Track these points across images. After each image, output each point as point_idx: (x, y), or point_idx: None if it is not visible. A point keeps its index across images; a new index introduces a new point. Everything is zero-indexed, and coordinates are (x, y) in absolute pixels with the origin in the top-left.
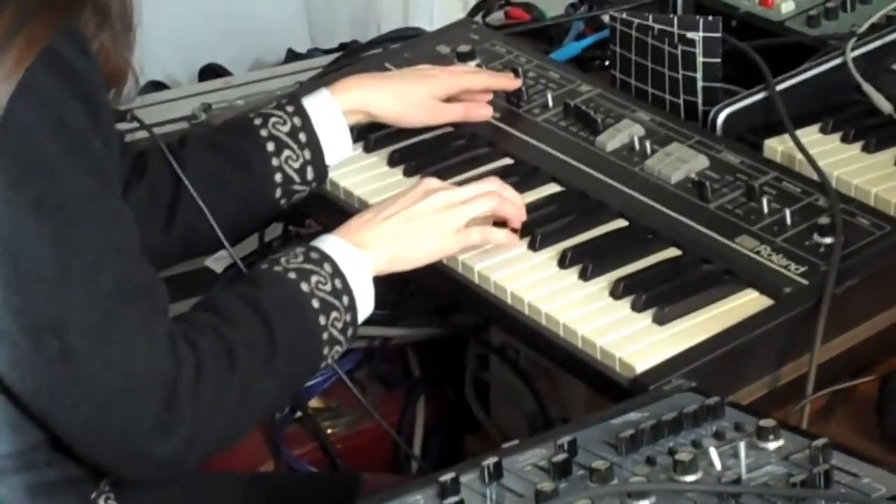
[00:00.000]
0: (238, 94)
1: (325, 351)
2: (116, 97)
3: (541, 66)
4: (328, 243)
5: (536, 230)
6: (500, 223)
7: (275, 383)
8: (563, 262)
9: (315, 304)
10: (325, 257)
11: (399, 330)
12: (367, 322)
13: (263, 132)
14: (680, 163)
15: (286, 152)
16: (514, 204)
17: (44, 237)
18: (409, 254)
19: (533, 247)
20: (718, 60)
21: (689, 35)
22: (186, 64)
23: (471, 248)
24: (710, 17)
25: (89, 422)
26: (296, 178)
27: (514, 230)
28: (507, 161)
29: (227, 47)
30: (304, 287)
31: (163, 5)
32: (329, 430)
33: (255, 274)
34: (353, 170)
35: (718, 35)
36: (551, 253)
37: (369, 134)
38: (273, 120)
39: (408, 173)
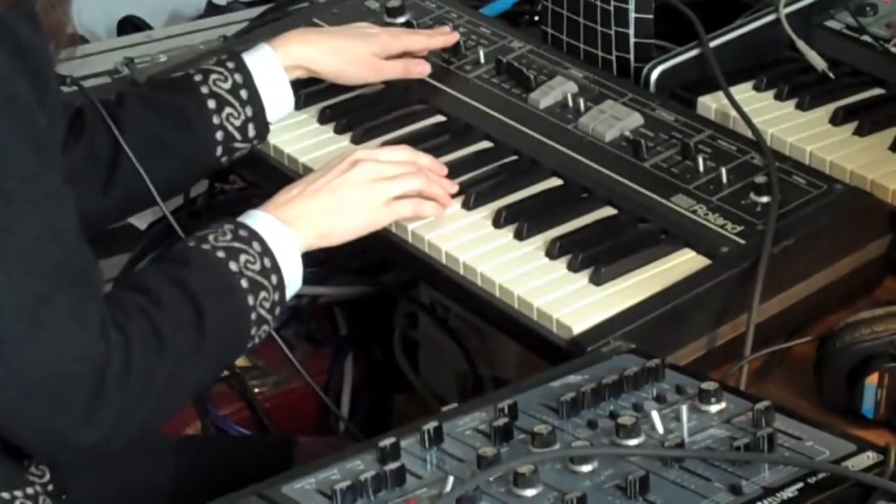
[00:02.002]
0: (160, 47)
1: (253, 331)
2: (57, 52)
3: (471, 22)
4: (257, 220)
5: (470, 189)
6: None
7: (203, 365)
8: (498, 221)
9: (244, 283)
10: (253, 235)
11: (327, 288)
12: None
13: (204, 89)
14: (614, 120)
15: (227, 109)
16: (440, 183)
17: None
18: (339, 228)
19: (467, 206)
20: (651, 17)
21: None
22: (104, 16)
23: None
24: None
25: (15, 405)
26: (237, 135)
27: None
28: (440, 118)
29: None
30: (233, 266)
31: None
32: (256, 390)
33: (183, 252)
34: (282, 127)
35: None
36: (485, 212)
37: (300, 90)
38: (214, 76)
39: (338, 130)
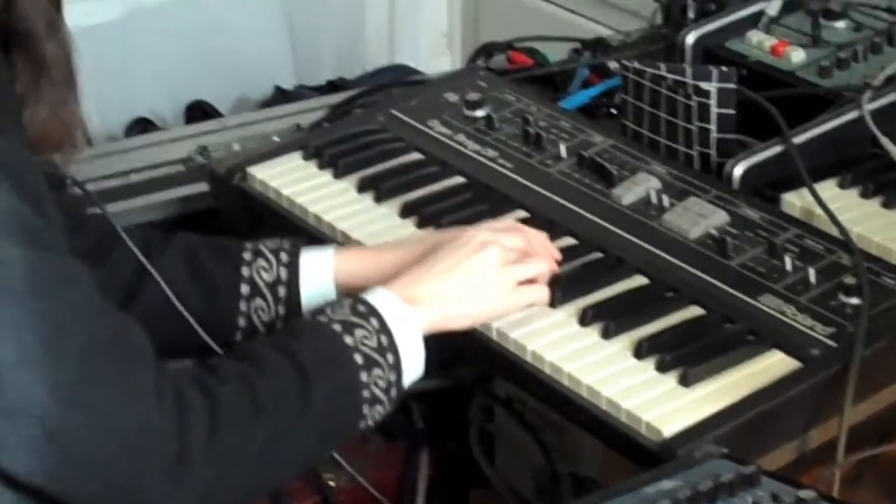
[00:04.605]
0: (233, 136)
1: (365, 409)
2: (69, 153)
3: (551, 116)
4: (377, 296)
5: (555, 286)
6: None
7: (306, 437)
8: (584, 319)
9: (357, 358)
10: (372, 311)
11: None
12: None
13: (245, 271)
14: (699, 218)
15: (258, 301)
16: (553, 269)
17: None
18: (467, 311)
19: (552, 303)
20: (733, 112)
21: (704, 86)
22: (172, 100)
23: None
24: (725, 68)
25: (92, 493)
26: (260, 328)
27: None
28: (522, 213)
29: (212, 83)
30: (348, 340)
31: (148, 42)
32: (331, 483)
33: (297, 324)
34: (366, 220)
35: (733, 86)
36: (570, 310)
37: (381, 183)
38: (260, 262)
39: (420, 224)
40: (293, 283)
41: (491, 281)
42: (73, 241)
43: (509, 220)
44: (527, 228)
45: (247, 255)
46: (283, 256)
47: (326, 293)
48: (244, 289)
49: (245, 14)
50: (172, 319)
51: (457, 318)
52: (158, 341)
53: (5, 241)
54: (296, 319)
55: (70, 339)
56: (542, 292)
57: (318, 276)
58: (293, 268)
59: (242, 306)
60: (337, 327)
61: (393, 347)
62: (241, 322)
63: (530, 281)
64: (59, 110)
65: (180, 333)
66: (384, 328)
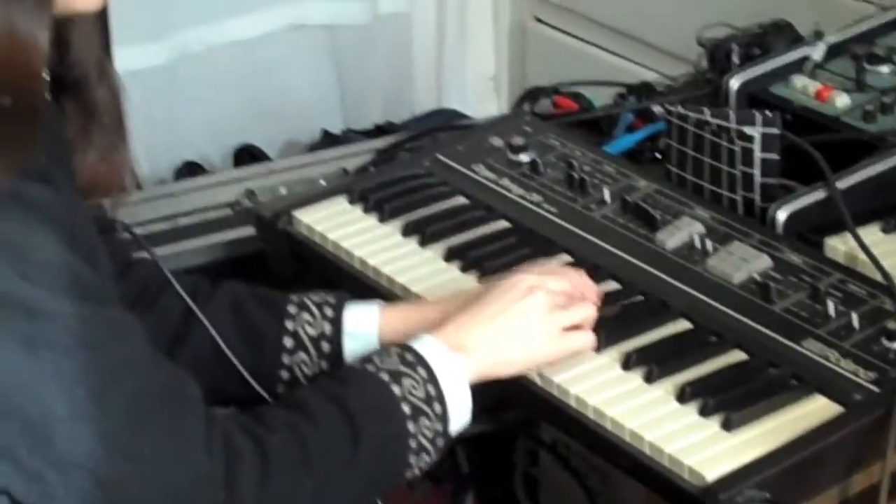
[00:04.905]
0: (280, 179)
1: (412, 459)
2: (119, 197)
3: (595, 160)
4: (425, 345)
5: (598, 331)
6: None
7: (355, 486)
8: (627, 364)
9: (405, 408)
10: (420, 360)
11: None
12: None
13: (289, 324)
14: (742, 262)
15: (301, 355)
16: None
17: (45, 375)
18: (516, 357)
19: (595, 348)
20: (777, 157)
21: (748, 130)
22: (221, 144)
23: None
24: (769, 113)
25: None
26: (303, 381)
27: None
28: (566, 258)
29: (261, 127)
30: (396, 390)
31: (196, 86)
32: None
33: (345, 372)
34: (411, 264)
35: (777, 131)
36: (614, 354)
37: (426, 227)
38: (305, 316)
39: (465, 269)
40: (337, 338)
41: (538, 328)
42: (121, 286)
43: (553, 263)
44: (570, 270)
45: (292, 308)
46: (328, 311)
47: (370, 349)
48: (288, 342)
49: (293, 58)
50: (218, 366)
51: (503, 365)
52: (202, 388)
53: (56, 295)
54: (344, 367)
55: (119, 390)
56: (588, 338)
57: (363, 332)
58: (337, 322)
59: (286, 359)
60: (385, 376)
61: (440, 397)
62: (284, 374)
63: (576, 326)
64: (109, 155)
65: (224, 381)
66: (432, 378)
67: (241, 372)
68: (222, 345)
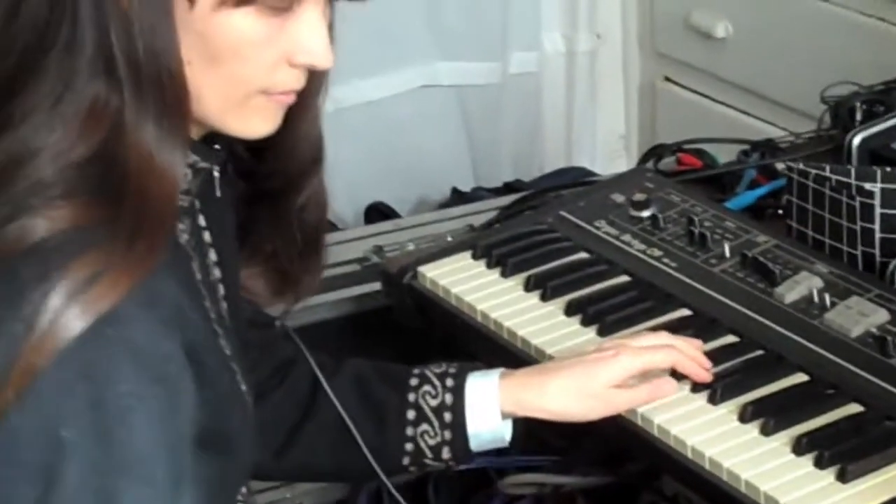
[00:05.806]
0: (407, 235)
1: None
2: (290, 304)
3: (716, 216)
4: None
5: (716, 384)
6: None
7: None
8: (744, 416)
9: (410, 414)
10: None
11: (569, 477)
12: (538, 469)
13: (411, 396)
14: (860, 316)
15: (424, 426)
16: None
17: None
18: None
19: (713, 400)
20: None
21: (868, 186)
22: (352, 202)
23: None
24: (889, 169)
25: None
26: (428, 453)
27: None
28: (685, 312)
29: (391, 185)
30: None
31: (329, 144)
32: None
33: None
34: (532, 318)
35: None
36: (731, 406)
37: (547, 281)
38: (426, 388)
39: (585, 323)
40: (458, 408)
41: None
42: (262, 359)
43: (664, 335)
44: (679, 342)
45: (413, 381)
46: (449, 381)
47: (491, 417)
48: (410, 414)
49: (425, 117)
50: (343, 443)
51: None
52: (328, 465)
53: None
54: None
55: None
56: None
57: (484, 402)
58: (458, 392)
59: (409, 431)
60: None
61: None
62: (409, 447)
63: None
64: (295, 262)
65: (350, 457)
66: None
67: (364, 451)
68: (349, 421)
